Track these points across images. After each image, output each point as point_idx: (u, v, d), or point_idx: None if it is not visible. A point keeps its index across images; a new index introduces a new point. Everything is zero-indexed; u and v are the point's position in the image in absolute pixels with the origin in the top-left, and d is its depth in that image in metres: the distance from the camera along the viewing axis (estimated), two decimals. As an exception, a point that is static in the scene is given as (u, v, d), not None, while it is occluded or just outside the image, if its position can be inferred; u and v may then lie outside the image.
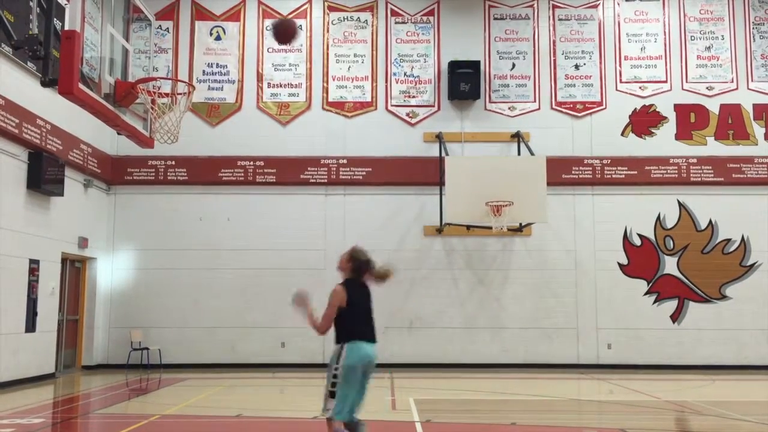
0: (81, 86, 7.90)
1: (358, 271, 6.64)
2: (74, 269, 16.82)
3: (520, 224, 17.03)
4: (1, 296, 12.91)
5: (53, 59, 8.30)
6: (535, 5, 18.75)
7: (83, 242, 16.43)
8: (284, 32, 8.34)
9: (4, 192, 13.07)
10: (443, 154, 17.19)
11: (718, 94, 18.47)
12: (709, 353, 17.48)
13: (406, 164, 18.01)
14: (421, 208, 17.88)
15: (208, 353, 17.25)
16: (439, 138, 17.78)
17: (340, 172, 18.06)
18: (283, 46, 9.74)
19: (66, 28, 7.96)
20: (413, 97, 18.47)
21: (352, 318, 6.56)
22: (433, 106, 18.43)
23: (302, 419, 9.98)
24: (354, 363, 6.46)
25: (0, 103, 12.69)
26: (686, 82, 18.55)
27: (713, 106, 18.42)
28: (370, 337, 6.62)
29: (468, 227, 17.12)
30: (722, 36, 18.70)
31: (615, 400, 12.73)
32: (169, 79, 16.06)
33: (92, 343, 17.13)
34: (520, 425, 9.63)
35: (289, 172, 18.01)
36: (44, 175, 14.08)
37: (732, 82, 18.52)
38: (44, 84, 8.36)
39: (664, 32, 18.72)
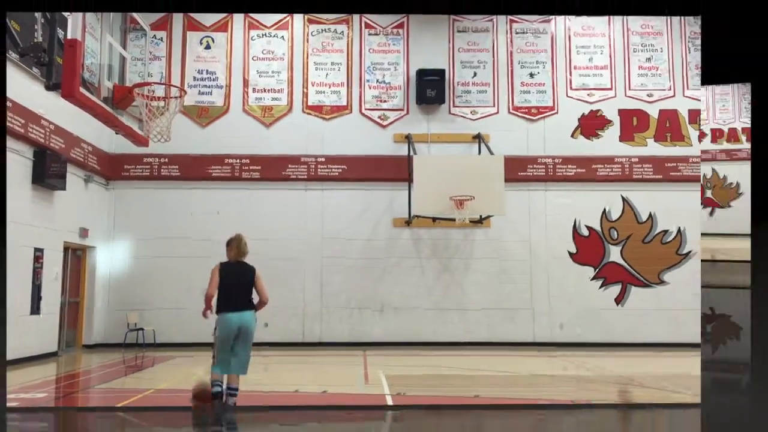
0: (82, 90, 7.86)
1: (231, 250, 7.91)
2: (75, 257, 16.66)
3: (481, 217, 17.13)
4: (8, 282, 12.77)
5: (56, 65, 8.23)
6: (495, 19, 18.80)
7: (84, 232, 16.29)
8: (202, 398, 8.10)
9: (11, 187, 12.89)
10: (412, 153, 17.23)
11: (658, 100, 18.67)
12: (651, 332, 17.63)
13: (378, 162, 18.02)
14: (391, 201, 17.90)
15: (198, 333, 16.93)
16: (408, 139, 17.81)
17: (319, 170, 18.03)
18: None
19: (68, 36, 7.89)
20: (385, 101, 18.47)
21: (220, 295, 7.69)
22: (403, 109, 18.44)
23: (285, 392, 10.01)
24: (222, 333, 7.30)
25: (8, 105, 12.54)
26: (629, 89, 18.72)
27: (653, 111, 18.61)
28: (237, 308, 7.38)
29: (434, 219, 17.19)
30: (661, 48, 18.90)
31: (568, 375, 12.83)
32: (163, 84, 15.99)
33: (92, 324, 16.99)
34: (483, 397, 9.72)
35: (272, 169, 17.95)
36: (48, 171, 13.94)
37: (670, 89, 18.72)
38: (48, 88, 8.31)
39: (610, 45, 18.87)
